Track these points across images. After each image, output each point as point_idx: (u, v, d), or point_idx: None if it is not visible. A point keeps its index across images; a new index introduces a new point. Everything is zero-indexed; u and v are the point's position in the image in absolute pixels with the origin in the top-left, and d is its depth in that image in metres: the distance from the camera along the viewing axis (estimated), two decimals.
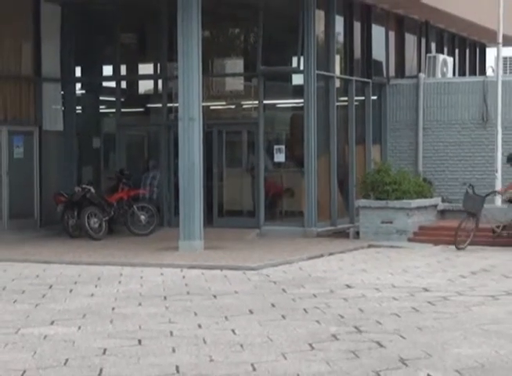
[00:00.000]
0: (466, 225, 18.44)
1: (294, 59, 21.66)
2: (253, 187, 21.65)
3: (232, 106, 23.41)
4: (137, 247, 18.44)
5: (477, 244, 18.63)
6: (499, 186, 21.00)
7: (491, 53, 30.77)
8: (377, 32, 24.23)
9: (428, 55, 25.88)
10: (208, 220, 20.04)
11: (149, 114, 24.39)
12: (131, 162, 23.07)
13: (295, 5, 21.21)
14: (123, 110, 23.55)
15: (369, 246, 19.03)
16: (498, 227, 18.60)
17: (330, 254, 17.59)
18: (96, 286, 13.35)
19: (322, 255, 17.30)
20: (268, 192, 21.59)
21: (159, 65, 23.18)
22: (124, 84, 24.11)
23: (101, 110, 24.96)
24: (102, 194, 21.37)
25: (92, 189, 21.05)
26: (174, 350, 8.74)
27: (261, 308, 11.27)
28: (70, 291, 12.89)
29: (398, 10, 24.65)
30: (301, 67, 21.17)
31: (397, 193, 20.07)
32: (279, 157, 21.54)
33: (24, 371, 7.85)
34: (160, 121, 22.72)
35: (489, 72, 29.71)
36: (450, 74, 25.98)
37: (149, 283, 13.68)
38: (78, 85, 24.08)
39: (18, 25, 22.03)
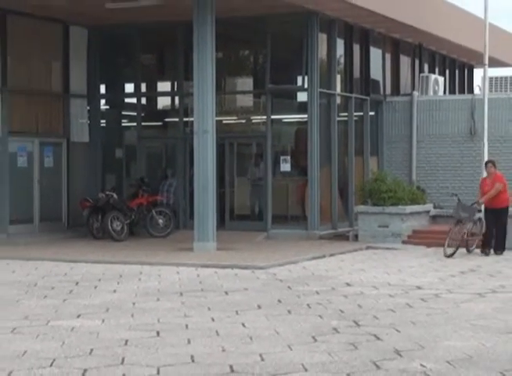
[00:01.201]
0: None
1: (299, 78, 21.68)
2: (261, 194, 21.71)
3: (243, 121, 23.43)
4: (155, 248, 18.46)
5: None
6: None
7: (478, 73, 30.80)
8: (375, 54, 24.26)
9: (421, 74, 25.87)
10: (220, 223, 20.02)
11: (166, 128, 24.43)
12: (151, 171, 23.10)
13: (300, 30, 21.28)
14: (143, 123, 23.63)
15: (367, 248, 19.06)
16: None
17: (331, 255, 17.61)
18: (118, 283, 13.38)
19: (324, 256, 17.33)
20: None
21: (176, 83, 23.24)
22: (144, 101, 24.17)
23: (123, 124, 25.02)
24: (124, 200, 21.42)
25: (115, 195, 21.12)
26: (189, 341, 8.74)
27: (269, 303, 11.27)
28: (95, 287, 12.92)
29: (394, 34, 24.68)
30: (306, 86, 21.20)
31: (392, 199, 20.09)
32: (285, 167, 21.56)
33: (54, 359, 7.87)
34: (176, 134, 22.76)
35: (476, 90, 29.66)
36: (441, 92, 25.98)
37: (167, 280, 13.70)
38: (103, 101, 24.12)
39: (49, 47, 22.12)
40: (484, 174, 20.14)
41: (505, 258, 16.74)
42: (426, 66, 27.17)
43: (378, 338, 8.86)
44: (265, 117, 21.80)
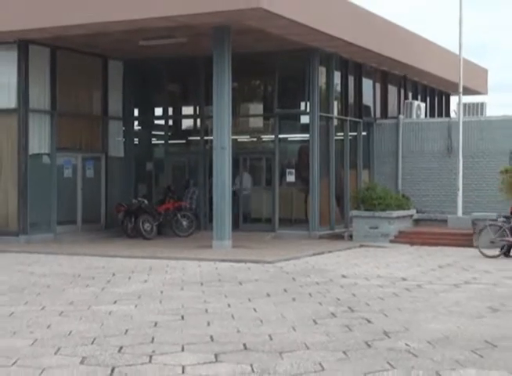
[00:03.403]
0: None
1: (302, 104, 21.75)
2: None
3: (254, 139, 23.42)
4: (180, 246, 18.46)
5: (447, 245, 18.65)
6: (460, 201, 20.98)
7: (453, 100, 30.83)
8: (366, 83, 24.27)
9: (406, 101, 25.91)
10: (235, 225, 19.96)
11: (190, 145, 24.42)
12: (176, 181, 23.09)
13: (303, 63, 21.34)
14: (170, 141, 23.69)
15: (360, 246, 19.01)
16: None
17: (330, 251, 17.56)
18: (149, 274, 13.38)
19: (323, 253, 17.29)
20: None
21: (198, 107, 23.25)
22: (170, 122, 24.19)
23: (153, 142, 25.02)
24: (154, 205, 21.45)
25: (146, 201, 21.21)
26: (209, 324, 8.73)
27: (276, 292, 11.25)
28: (129, 278, 12.93)
29: (383, 67, 24.68)
30: (308, 110, 21.25)
31: (381, 205, 20.08)
32: (290, 178, 21.61)
33: (95, 338, 7.88)
34: (198, 150, 22.77)
35: (452, 114, 29.68)
36: (423, 115, 26.00)
37: (190, 272, 13.70)
38: (136, 123, 24.17)
39: (91, 77, 22.20)
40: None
41: (478, 256, 16.66)
42: (410, 94, 27.18)
43: (369, 322, 8.83)
44: (273, 136, 21.83)
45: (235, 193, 21.02)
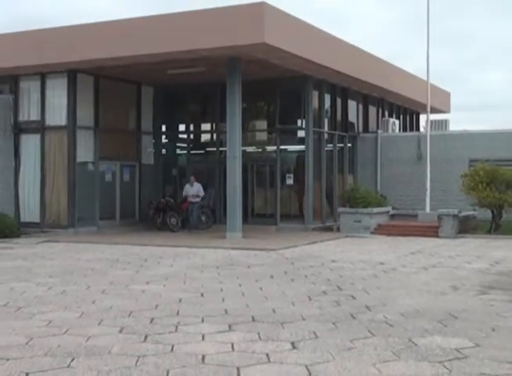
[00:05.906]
0: None
1: (299, 121, 21.72)
2: (272, 199, 21.70)
3: (260, 150, 23.39)
4: (199, 236, 18.47)
5: (418, 235, 18.60)
6: (428, 200, 20.96)
7: (422, 118, 30.77)
8: (351, 104, 24.27)
9: (383, 118, 25.86)
10: (245, 219, 19.93)
11: (207, 154, 24.39)
12: None
13: (299, 87, 21.32)
14: (191, 152, 23.65)
15: (346, 236, 18.96)
16: None
17: (321, 241, 17.51)
18: (174, 260, 13.38)
19: (316, 242, 17.22)
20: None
21: (214, 124, 23.27)
22: (192, 136, 24.17)
23: (177, 152, 25.01)
24: (178, 203, 21.42)
25: (172, 200, 21.20)
26: (223, 300, 8.72)
27: (278, 274, 11.23)
28: (158, 262, 12.93)
29: (364, 91, 24.66)
30: (303, 126, 21.26)
31: (364, 203, 20.09)
32: (289, 181, 21.66)
33: (131, 312, 7.88)
34: (214, 159, 22.77)
35: (422, 129, 29.61)
36: (397, 130, 25.95)
37: (208, 258, 13.69)
38: (163, 136, 24.19)
39: (127, 99, 22.23)
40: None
41: (439, 244, 16.61)
42: (386, 113, 27.15)
43: (354, 298, 8.81)
44: (275, 147, 21.81)
45: (245, 193, 21.05)
